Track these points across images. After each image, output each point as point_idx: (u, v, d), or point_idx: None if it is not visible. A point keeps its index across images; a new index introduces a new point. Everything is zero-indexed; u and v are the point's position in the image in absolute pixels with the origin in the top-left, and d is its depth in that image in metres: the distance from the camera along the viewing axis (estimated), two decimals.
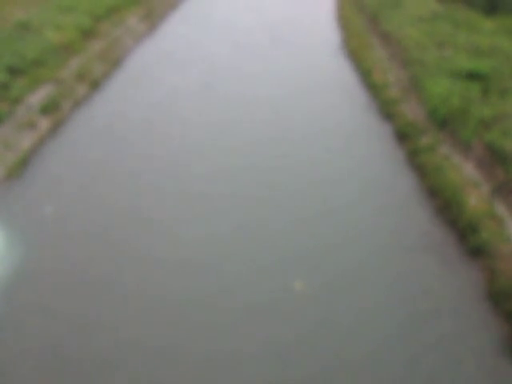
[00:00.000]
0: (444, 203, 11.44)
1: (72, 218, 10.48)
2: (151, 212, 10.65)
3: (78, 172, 12.22)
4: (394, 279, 9.59)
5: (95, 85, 18.16)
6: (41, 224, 10.65)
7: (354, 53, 20.98)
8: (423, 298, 8.89)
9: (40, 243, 10.18)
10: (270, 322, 8.11)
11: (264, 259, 9.38)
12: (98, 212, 11.10)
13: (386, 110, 16.13)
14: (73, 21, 20.96)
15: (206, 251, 9.45)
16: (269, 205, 10.87)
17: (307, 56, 21.73)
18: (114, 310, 8.17)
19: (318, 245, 9.96)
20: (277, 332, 7.91)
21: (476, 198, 11.06)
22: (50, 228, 10.69)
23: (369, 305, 8.61)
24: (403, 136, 14.45)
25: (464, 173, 11.99)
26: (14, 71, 16.10)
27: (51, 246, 9.52)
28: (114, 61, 20.35)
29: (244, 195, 11.00)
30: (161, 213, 10.59)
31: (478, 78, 14.76)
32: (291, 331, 7.99)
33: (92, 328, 7.85)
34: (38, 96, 16.03)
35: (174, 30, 25.36)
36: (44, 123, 14.94)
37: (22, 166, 12.86)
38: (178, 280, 8.94)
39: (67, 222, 10.68)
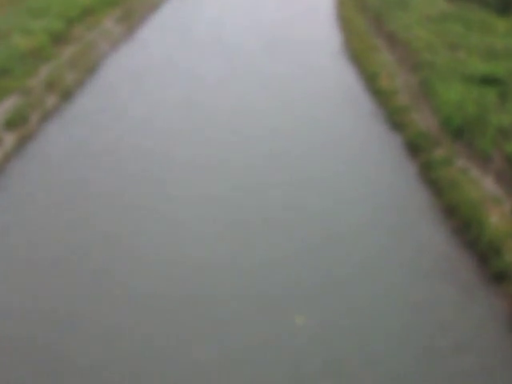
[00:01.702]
0: (462, 222, 11.50)
1: (40, 248, 10.33)
2: (132, 242, 10.65)
3: (48, 194, 12.21)
4: (406, 310, 9.58)
5: (67, 95, 18.31)
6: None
7: (357, 56, 21.27)
8: (440, 332, 8.92)
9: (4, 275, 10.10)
10: (266, 363, 8.04)
11: (266, 296, 9.40)
12: (73, 238, 11.03)
13: (395, 119, 16.32)
14: (43, 24, 21.09)
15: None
16: (273, 231, 11.04)
17: (305, 60, 22.00)
18: None
19: (324, 273, 10.07)
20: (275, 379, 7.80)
21: (497, 216, 11.10)
22: (16, 257, 10.61)
23: (379, 341, 8.55)
24: (414, 148, 14.63)
25: (483, 188, 12.08)
26: None
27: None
28: (87, 68, 20.53)
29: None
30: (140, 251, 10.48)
31: (494, 83, 14.97)
32: (292, 376, 7.89)
33: None
34: (2, 108, 16.13)
35: (155, 34, 25.73)
36: (9, 139, 14.88)
37: None
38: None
39: (34, 253, 10.56)
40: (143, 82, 19.86)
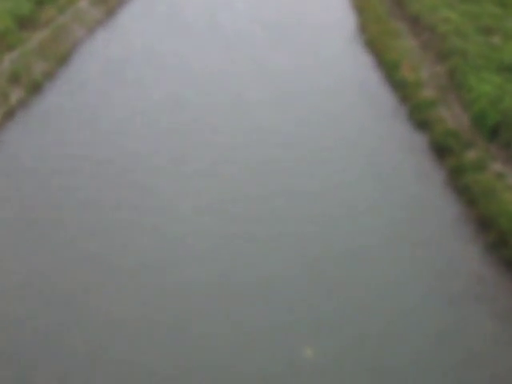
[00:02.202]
0: (498, 236, 11.59)
1: None
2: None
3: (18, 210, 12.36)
4: (435, 340, 9.55)
5: (34, 88, 18.14)
6: None
7: (375, 42, 21.59)
8: (474, 365, 9.09)
9: None
10: None
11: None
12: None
13: (419, 116, 16.47)
14: (8, 6, 20.97)
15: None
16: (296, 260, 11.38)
17: (315, 48, 21.98)
18: None
19: (345, 296, 10.38)
20: None
21: None
22: None
23: (404, 379, 8.67)
24: (442, 149, 14.76)
25: None
26: None
27: None
28: (58, 57, 20.36)
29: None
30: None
31: None
32: None
33: None
34: None
35: (138, 18, 25.40)
36: None
37: None
38: None
39: None
40: (123, 75, 19.56)
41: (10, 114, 16.68)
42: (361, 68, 20.33)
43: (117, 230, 12.05)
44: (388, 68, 19.58)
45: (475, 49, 17.53)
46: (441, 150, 15.07)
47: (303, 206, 12.97)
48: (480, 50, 17.36)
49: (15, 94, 17.42)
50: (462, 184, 13.60)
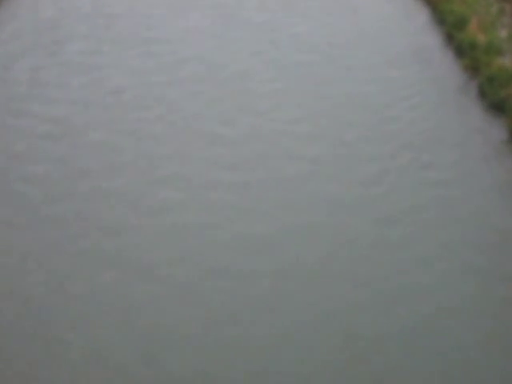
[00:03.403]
0: None
1: None
2: None
3: None
4: None
5: None
6: None
7: None
8: None
9: None
10: None
11: None
12: None
13: (495, 95, 14.66)
14: None
15: None
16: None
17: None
18: None
19: None
20: None
21: None
22: None
23: None
24: None
25: None
26: None
27: None
28: None
29: None
30: None
31: None
32: None
33: None
34: None
35: None
36: None
37: None
38: None
39: None
40: (63, 47, 16.89)
41: None
42: (413, 25, 18.27)
43: None
44: (450, 26, 17.50)
45: None
46: None
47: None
48: None
49: None
50: None
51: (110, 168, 13.15)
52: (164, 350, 9.59)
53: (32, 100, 14.99)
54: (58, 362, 9.57)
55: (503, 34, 16.51)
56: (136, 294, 10.49)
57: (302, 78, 15.89)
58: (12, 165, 12.57)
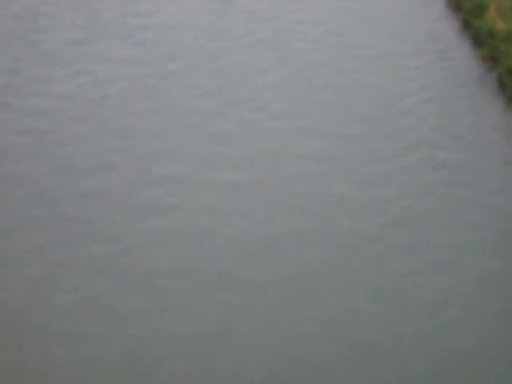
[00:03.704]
0: None
1: None
2: None
3: None
4: None
5: None
6: None
7: None
8: None
9: None
10: None
11: None
12: None
13: None
14: None
15: None
16: None
17: None
18: None
19: None
20: None
21: None
22: None
23: None
24: None
25: None
26: None
27: None
28: None
29: None
30: None
31: None
32: None
33: None
34: None
35: None
36: None
37: None
38: None
39: None
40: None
41: None
42: (428, 12, 17.84)
43: None
44: (468, 13, 17.25)
45: None
46: None
47: None
48: None
49: None
50: None
51: (98, 167, 12.74)
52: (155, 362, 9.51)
53: (11, 93, 14.53)
54: (48, 377, 9.27)
55: None
56: (127, 303, 10.09)
57: (306, 70, 15.44)
58: None
